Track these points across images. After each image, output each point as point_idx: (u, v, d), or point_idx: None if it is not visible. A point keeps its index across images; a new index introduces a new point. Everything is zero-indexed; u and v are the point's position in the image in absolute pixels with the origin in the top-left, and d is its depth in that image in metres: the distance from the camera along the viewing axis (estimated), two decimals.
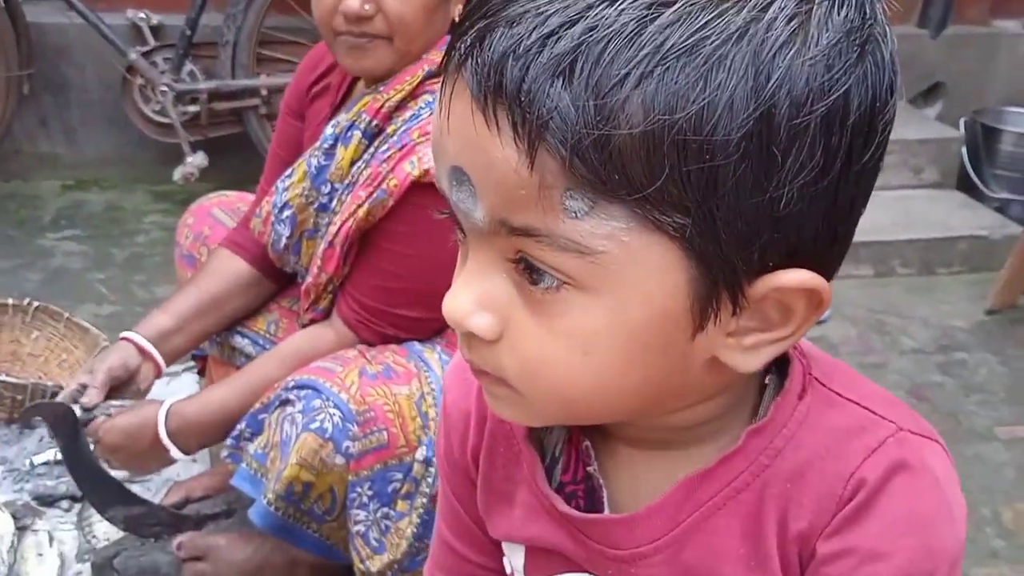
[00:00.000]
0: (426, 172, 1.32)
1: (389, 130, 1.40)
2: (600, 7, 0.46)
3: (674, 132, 0.46)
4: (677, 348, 0.53)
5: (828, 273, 0.53)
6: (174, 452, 1.46)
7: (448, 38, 1.40)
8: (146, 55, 3.04)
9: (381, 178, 1.36)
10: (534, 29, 0.47)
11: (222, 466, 1.68)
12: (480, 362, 0.56)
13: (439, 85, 1.52)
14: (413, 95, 1.40)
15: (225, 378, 1.75)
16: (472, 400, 0.70)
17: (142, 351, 1.56)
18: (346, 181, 1.43)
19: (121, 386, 1.56)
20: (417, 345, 1.44)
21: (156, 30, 3.13)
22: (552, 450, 0.65)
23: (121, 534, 1.65)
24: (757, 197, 0.48)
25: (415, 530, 1.34)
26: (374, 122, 1.41)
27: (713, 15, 0.46)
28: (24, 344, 2.20)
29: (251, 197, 1.86)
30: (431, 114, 1.36)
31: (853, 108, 0.49)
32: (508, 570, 0.71)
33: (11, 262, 2.75)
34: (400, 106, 1.40)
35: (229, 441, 1.44)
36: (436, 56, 1.39)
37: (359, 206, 1.37)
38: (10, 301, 2.19)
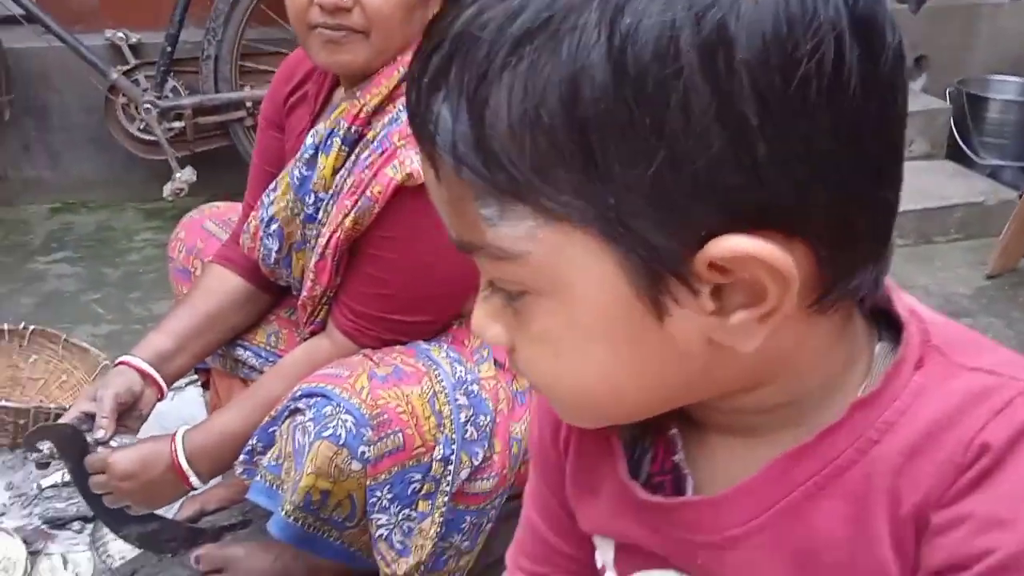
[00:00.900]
0: (409, 176, 1.29)
1: (369, 135, 1.37)
2: (470, 11, 0.47)
3: (540, 116, 0.45)
4: (650, 337, 0.50)
5: (843, 256, 0.49)
6: (195, 481, 1.44)
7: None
8: (127, 74, 3.01)
9: (365, 185, 1.33)
10: (423, 51, 0.49)
11: (236, 477, 1.67)
12: (516, 372, 0.58)
13: None
14: (391, 98, 1.37)
15: (230, 392, 1.74)
16: None
17: (143, 374, 1.54)
18: (330, 191, 1.41)
19: (125, 412, 1.54)
20: (423, 344, 1.42)
21: (136, 48, 3.11)
22: (643, 440, 0.63)
23: (137, 552, 1.63)
24: (643, 166, 0.44)
25: (439, 529, 1.32)
26: (353, 128, 1.38)
27: None
28: (22, 368, 2.18)
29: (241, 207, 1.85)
30: None
31: (741, 42, 0.43)
32: (599, 564, 0.69)
33: (4, 288, 2.72)
34: (378, 110, 1.37)
35: (242, 457, 1.42)
36: (411, 57, 1.36)
37: (345, 215, 1.35)
38: (5, 326, 2.17)
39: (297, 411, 1.33)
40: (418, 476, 1.31)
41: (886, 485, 0.52)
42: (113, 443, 1.49)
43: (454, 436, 1.33)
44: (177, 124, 3.02)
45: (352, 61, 1.35)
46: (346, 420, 1.27)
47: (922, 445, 0.52)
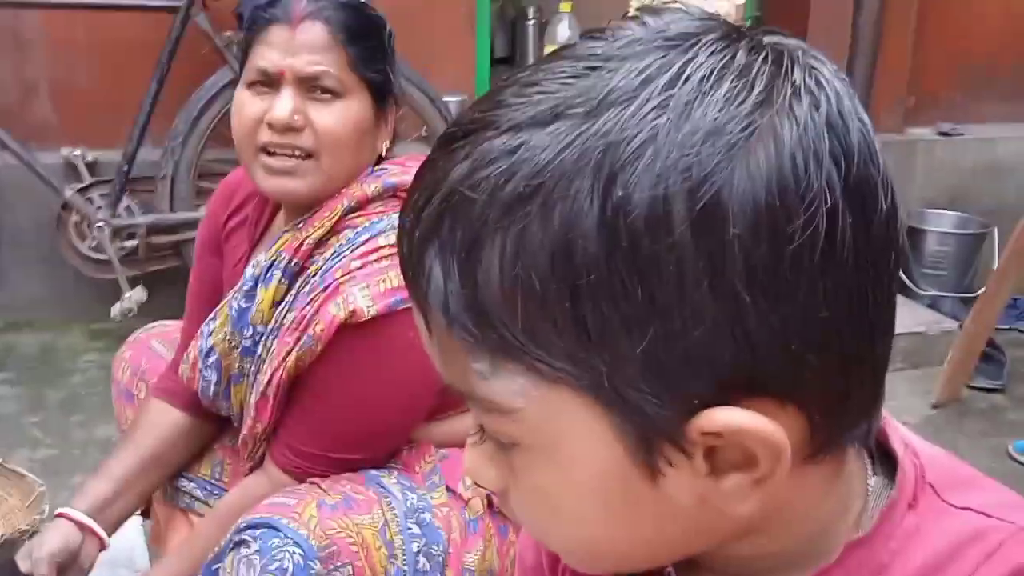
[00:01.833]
0: (352, 313, 1.28)
1: (311, 269, 1.35)
2: (462, 168, 0.47)
3: (531, 281, 0.45)
4: (645, 496, 0.49)
5: (837, 416, 0.48)
6: None
7: (370, 170, 1.40)
8: (82, 191, 3.01)
9: (307, 322, 1.31)
10: (414, 202, 0.49)
11: None
12: (507, 514, 0.57)
13: (359, 219, 1.48)
14: (334, 231, 1.35)
15: (170, 522, 1.67)
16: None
17: (82, 527, 1.48)
18: (270, 324, 1.38)
19: (66, 568, 1.48)
20: (373, 471, 1.39)
21: (92, 166, 3.12)
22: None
23: None
24: (636, 336, 0.44)
25: None
26: (294, 261, 1.36)
27: (559, 149, 0.44)
28: None
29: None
30: (351, 251, 1.34)
31: (735, 216, 0.43)
32: None
33: None
34: (320, 243, 1.36)
35: None
36: (355, 190, 1.36)
37: (288, 353, 1.33)
38: None
39: (242, 543, 1.28)
40: None
41: None
42: None
43: (406, 568, 1.28)
44: (130, 243, 3.01)
45: (300, 188, 1.33)
46: (294, 552, 1.23)
47: None
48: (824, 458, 0.50)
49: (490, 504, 1.45)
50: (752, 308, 0.44)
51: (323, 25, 1.32)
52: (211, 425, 1.61)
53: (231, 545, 1.30)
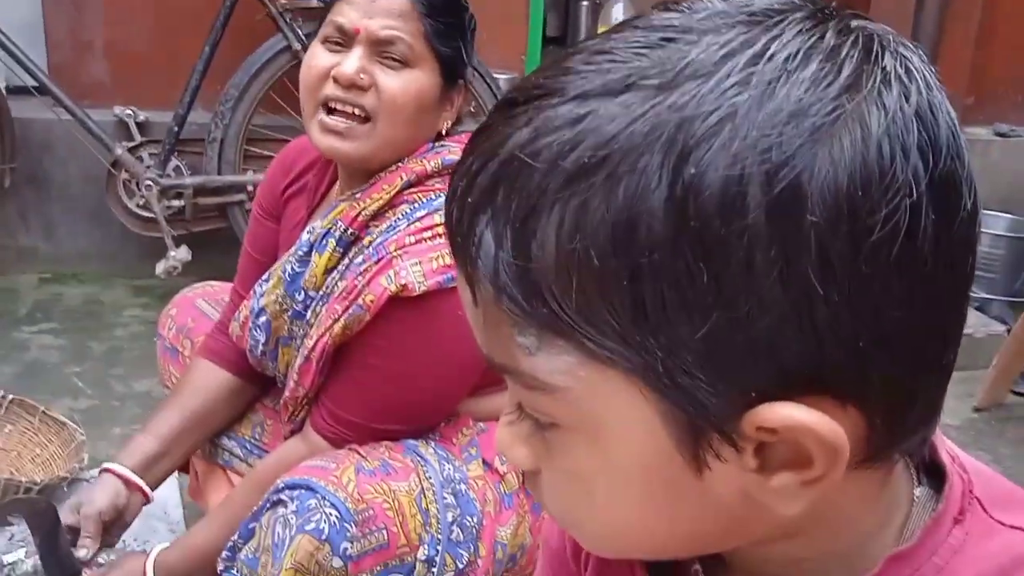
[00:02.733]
0: (403, 287, 1.28)
1: (365, 240, 1.36)
2: (523, 134, 0.45)
3: (590, 257, 0.42)
4: (688, 487, 0.47)
5: (897, 423, 0.46)
6: None
7: (430, 146, 1.40)
8: (132, 150, 3.04)
9: (357, 292, 1.32)
10: (468, 168, 0.47)
11: None
12: (534, 495, 0.54)
13: (417, 194, 1.49)
14: (391, 204, 1.36)
15: (209, 478, 1.70)
16: None
17: (128, 483, 1.51)
18: (321, 291, 1.39)
19: (111, 524, 1.51)
20: (411, 440, 1.40)
21: (143, 126, 3.14)
22: (665, 572, 0.60)
23: None
24: (696, 323, 0.42)
25: None
26: (349, 231, 1.37)
27: (629, 120, 0.42)
28: None
29: None
30: (408, 225, 1.35)
31: (814, 203, 0.41)
32: None
33: None
34: (377, 215, 1.37)
35: (225, 554, 1.37)
36: (414, 165, 1.37)
37: (335, 320, 1.33)
38: None
39: (280, 502, 1.29)
40: None
41: None
42: (100, 559, 1.46)
43: (440, 536, 1.29)
44: (176, 203, 3.04)
45: (350, 151, 1.34)
46: (330, 514, 1.23)
47: None
48: (877, 464, 0.48)
49: (524, 480, 1.45)
50: (823, 301, 0.41)
51: None
52: (255, 386, 1.62)
53: (268, 504, 1.31)
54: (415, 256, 1.29)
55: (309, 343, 1.37)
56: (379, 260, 1.31)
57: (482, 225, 0.45)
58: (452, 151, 1.39)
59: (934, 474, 0.55)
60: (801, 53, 0.43)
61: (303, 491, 1.27)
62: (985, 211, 3.00)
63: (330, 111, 1.34)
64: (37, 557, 1.48)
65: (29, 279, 3.21)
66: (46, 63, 3.15)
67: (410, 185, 1.36)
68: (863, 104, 0.42)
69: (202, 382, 1.59)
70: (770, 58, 0.43)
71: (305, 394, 1.40)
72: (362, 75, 1.31)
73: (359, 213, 1.35)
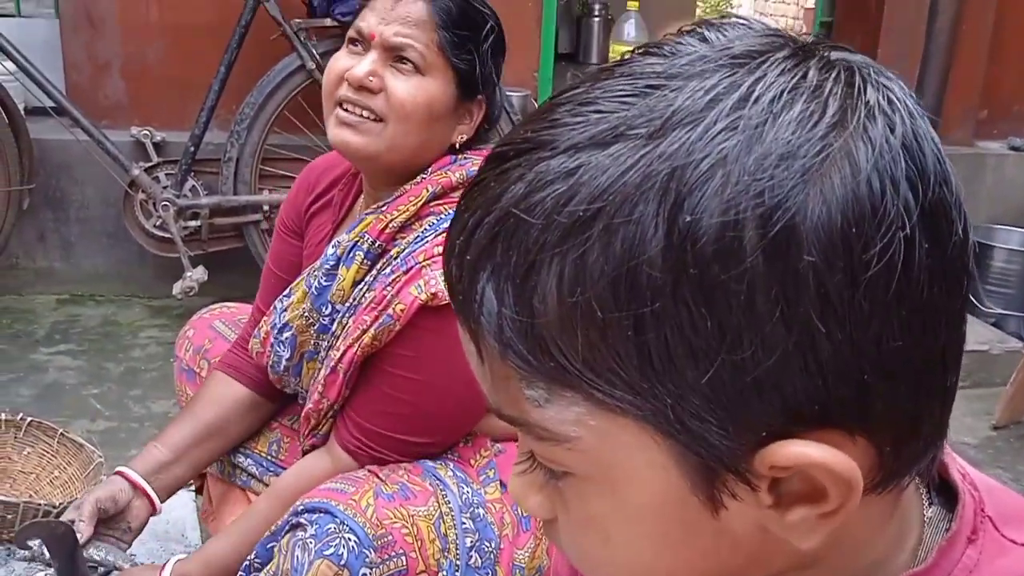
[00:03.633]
0: (433, 296, 1.30)
1: (393, 252, 1.38)
2: (517, 189, 0.45)
3: (592, 310, 0.43)
4: (704, 528, 0.47)
5: (905, 448, 0.47)
6: None
7: (453, 159, 1.42)
8: (149, 170, 3.06)
9: (386, 303, 1.33)
10: (465, 223, 0.47)
11: None
12: (552, 541, 0.55)
13: (442, 206, 1.51)
14: (417, 216, 1.39)
15: (224, 500, 1.70)
16: None
17: (135, 486, 1.52)
18: (347, 303, 1.41)
19: (110, 520, 1.52)
20: (429, 463, 1.40)
21: (159, 146, 3.17)
22: None
23: None
24: (702, 367, 0.42)
25: None
26: (377, 243, 1.39)
27: (621, 171, 0.43)
28: (15, 461, 2.13)
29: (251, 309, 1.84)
30: (435, 236, 1.37)
31: (810, 243, 0.41)
32: None
33: (4, 377, 2.70)
34: (404, 227, 1.39)
35: (240, 574, 1.37)
36: (439, 177, 1.39)
37: (363, 331, 1.35)
38: (2, 416, 2.13)
39: (298, 526, 1.29)
40: None
41: None
42: (92, 550, 1.47)
43: (459, 562, 1.29)
44: (193, 223, 3.06)
45: (359, 145, 1.36)
46: (349, 539, 1.24)
47: None
48: (888, 488, 0.49)
49: None
50: (825, 338, 0.42)
51: (425, 4, 1.36)
52: (272, 403, 1.63)
53: (287, 527, 1.31)
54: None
55: (335, 354, 1.38)
56: (408, 270, 1.32)
57: (483, 281, 0.46)
58: (475, 163, 1.40)
59: (945, 492, 0.55)
60: (785, 94, 0.43)
61: (322, 515, 1.27)
62: (999, 226, 2.99)
63: (345, 110, 1.37)
64: None
65: (47, 300, 3.23)
66: (64, 84, 3.19)
67: (435, 197, 1.38)
68: (850, 141, 0.43)
69: (218, 395, 1.61)
70: (755, 100, 0.43)
71: (330, 406, 1.41)
72: (371, 78, 1.34)
73: (386, 225, 1.37)
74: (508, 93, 3.15)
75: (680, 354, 0.42)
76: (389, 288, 1.33)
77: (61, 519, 1.47)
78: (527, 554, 1.40)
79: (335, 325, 1.41)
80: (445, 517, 1.31)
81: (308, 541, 1.26)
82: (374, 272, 1.38)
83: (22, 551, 1.49)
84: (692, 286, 0.41)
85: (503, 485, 1.41)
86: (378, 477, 1.34)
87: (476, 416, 1.44)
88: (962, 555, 0.51)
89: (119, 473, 1.53)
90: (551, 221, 0.43)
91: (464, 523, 1.32)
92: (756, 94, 0.43)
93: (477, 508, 1.35)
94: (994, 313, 3.35)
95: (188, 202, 3.03)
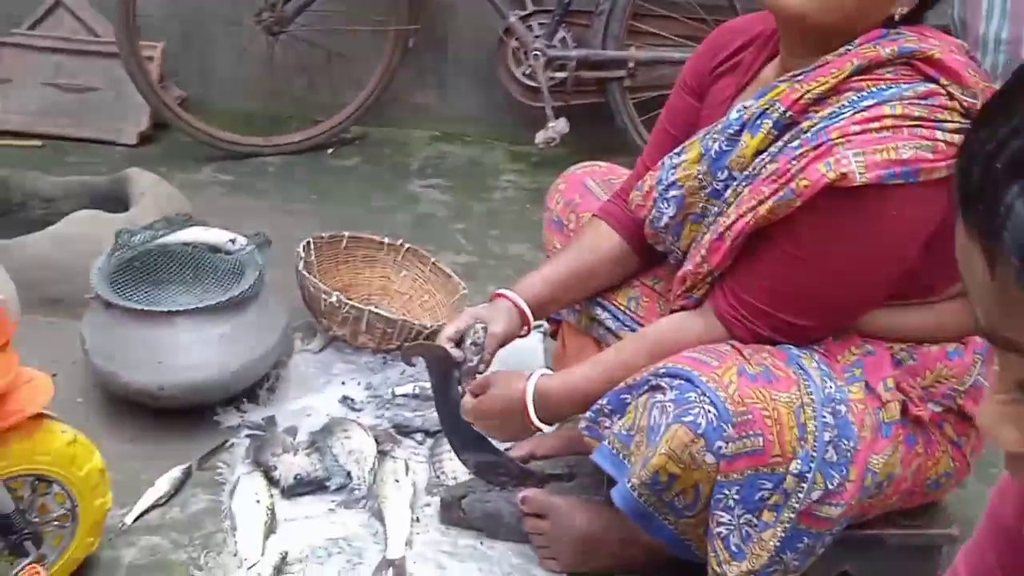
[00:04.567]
0: (843, 176, 1.23)
1: (804, 125, 1.32)
2: None
3: None
4: None
5: None
6: (544, 428, 1.51)
7: (885, 32, 1.31)
8: (523, 19, 3.14)
9: (789, 176, 1.28)
10: (998, 129, 0.43)
11: (567, 429, 1.72)
12: (1016, 478, 0.51)
13: (865, 82, 1.40)
14: (836, 90, 1.30)
15: (579, 349, 1.78)
16: None
17: (521, 314, 1.62)
18: (746, 171, 1.37)
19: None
20: (794, 350, 1.37)
21: None
22: None
23: (469, 476, 1.74)
24: None
25: (777, 543, 1.28)
26: (788, 113, 1.33)
27: None
28: (393, 281, 2.37)
29: (621, 170, 1.87)
30: (853, 114, 1.28)
31: None
32: None
33: (385, 203, 2.98)
34: (819, 100, 1.31)
35: (589, 414, 1.45)
36: (867, 50, 1.29)
37: (760, 202, 1.31)
38: (385, 240, 2.37)
39: (658, 388, 1.33)
40: (769, 485, 1.27)
41: None
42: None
43: (814, 454, 1.27)
44: (559, 74, 3.12)
45: (797, 6, 1.27)
46: (708, 411, 1.26)
47: None
48: None
49: (903, 411, 1.39)
50: None
51: None
52: (639, 259, 1.67)
53: (646, 386, 1.35)
54: (859, 146, 1.24)
55: (725, 221, 1.37)
56: (818, 146, 1.27)
57: (1012, 195, 0.42)
58: (909, 39, 1.29)
59: None
60: None
61: (683, 382, 1.30)
62: None
63: None
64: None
65: (421, 135, 3.48)
66: None
67: (859, 72, 1.29)
68: None
69: (596, 241, 1.66)
70: None
71: (709, 271, 1.41)
72: None
73: (801, 96, 1.31)
74: None
75: None
76: (794, 162, 1.28)
77: (455, 330, 1.59)
78: (882, 460, 1.35)
79: (728, 192, 1.39)
80: (806, 407, 1.29)
81: (667, 404, 1.29)
82: (780, 143, 1.33)
83: (404, 362, 1.66)
84: None
85: (868, 387, 1.36)
86: (742, 355, 1.34)
87: (863, 308, 1.38)
88: None
89: (505, 297, 1.63)
90: None
91: (825, 417, 1.29)
92: None
93: (839, 405, 1.31)
94: None
95: (557, 53, 3.09)
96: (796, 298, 1.34)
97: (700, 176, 1.43)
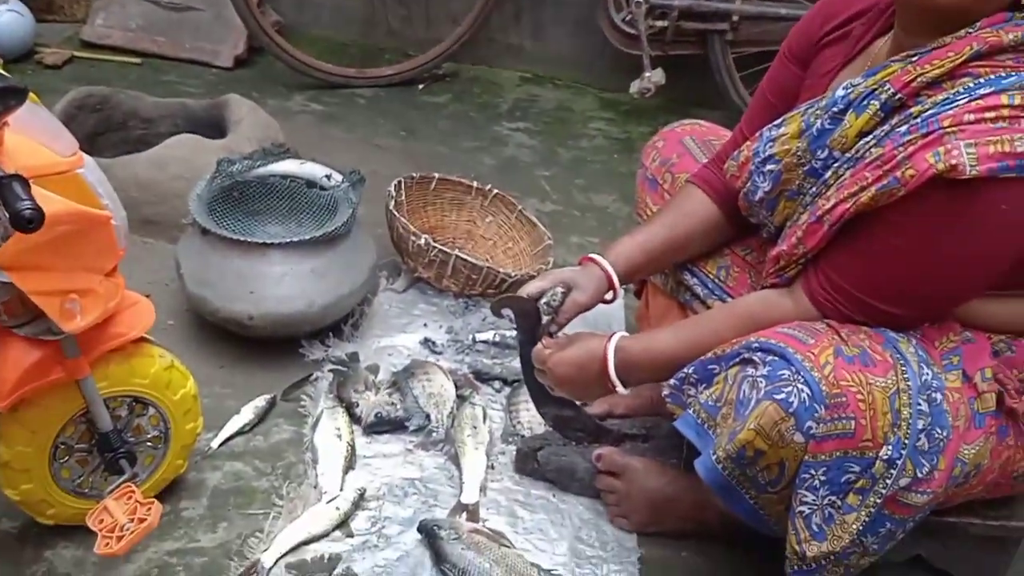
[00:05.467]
0: (952, 167, 1.17)
1: (914, 110, 1.26)
2: None
3: None
4: None
5: None
6: (620, 388, 1.50)
7: (1008, 16, 1.24)
8: None
9: (895, 163, 1.23)
10: None
11: (646, 388, 1.72)
12: None
13: (984, 69, 1.33)
14: (951, 75, 1.24)
15: (663, 312, 1.77)
16: None
17: (609, 282, 1.62)
18: (849, 153, 1.32)
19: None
20: (892, 334, 1.33)
21: None
22: None
23: (546, 429, 1.75)
24: None
25: (860, 527, 1.27)
26: (898, 95, 1.27)
27: None
28: (479, 226, 2.37)
29: (724, 131, 1.82)
30: (968, 101, 1.22)
31: None
32: None
33: (471, 143, 2.96)
34: (933, 85, 1.25)
35: (673, 381, 1.43)
36: (988, 35, 1.22)
37: (862, 188, 1.26)
38: (474, 184, 2.36)
39: (749, 362, 1.31)
40: (856, 468, 1.25)
41: None
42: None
43: (907, 441, 1.24)
44: (660, 23, 3.05)
45: None
46: (802, 390, 1.23)
47: None
48: None
49: (998, 402, 1.35)
50: None
51: None
52: (732, 229, 1.64)
53: (737, 359, 1.33)
54: (971, 136, 1.18)
55: (825, 204, 1.33)
56: (928, 134, 1.21)
57: None
58: None
59: None
60: None
61: (776, 358, 1.27)
62: None
63: None
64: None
65: (512, 76, 3.45)
66: None
67: (978, 56, 1.23)
68: None
69: (691, 208, 1.64)
70: None
71: (804, 253, 1.38)
72: None
73: (914, 79, 1.25)
74: None
75: None
76: (901, 148, 1.23)
77: (539, 289, 1.60)
78: (973, 451, 1.32)
79: (828, 172, 1.35)
80: (902, 393, 1.26)
81: (759, 379, 1.27)
82: (887, 127, 1.28)
83: (493, 313, 1.66)
84: None
85: (965, 376, 1.33)
86: (839, 335, 1.30)
87: (959, 301, 1.34)
88: None
89: (597, 264, 1.62)
90: None
91: (920, 404, 1.26)
92: None
93: (935, 392, 1.28)
94: None
95: (660, 1, 3.01)
96: (892, 287, 1.30)
97: (799, 153, 1.39)
